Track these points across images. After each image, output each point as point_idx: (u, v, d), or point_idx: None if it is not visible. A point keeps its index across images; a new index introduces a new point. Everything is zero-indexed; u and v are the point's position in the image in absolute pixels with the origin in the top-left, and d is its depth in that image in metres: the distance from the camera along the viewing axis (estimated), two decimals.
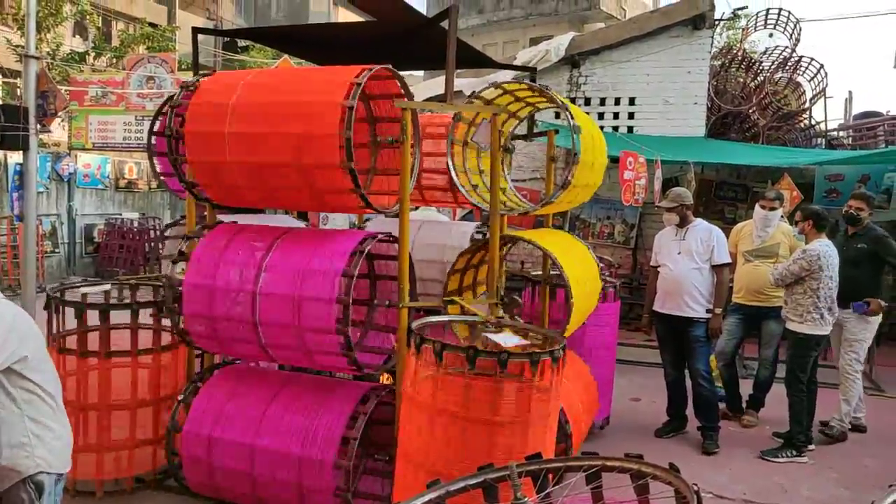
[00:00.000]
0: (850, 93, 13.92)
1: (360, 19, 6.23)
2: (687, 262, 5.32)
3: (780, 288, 5.37)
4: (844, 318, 5.48)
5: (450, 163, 4.19)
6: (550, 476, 2.13)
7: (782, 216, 6.07)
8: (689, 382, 5.48)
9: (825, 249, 5.07)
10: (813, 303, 5.06)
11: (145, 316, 4.37)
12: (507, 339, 2.97)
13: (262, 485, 3.59)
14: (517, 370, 2.74)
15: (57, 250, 13.24)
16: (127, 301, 4.36)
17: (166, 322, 4.21)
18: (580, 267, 4.26)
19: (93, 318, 4.13)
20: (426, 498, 2.04)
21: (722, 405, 5.83)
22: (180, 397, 3.94)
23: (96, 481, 4.08)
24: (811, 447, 5.23)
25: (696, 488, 1.79)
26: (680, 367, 5.53)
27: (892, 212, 8.81)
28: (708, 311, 5.32)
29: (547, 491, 2.09)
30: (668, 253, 5.45)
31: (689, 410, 5.55)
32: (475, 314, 3.41)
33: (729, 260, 5.43)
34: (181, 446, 3.76)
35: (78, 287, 4.67)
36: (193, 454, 3.71)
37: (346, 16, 26.55)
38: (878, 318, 5.54)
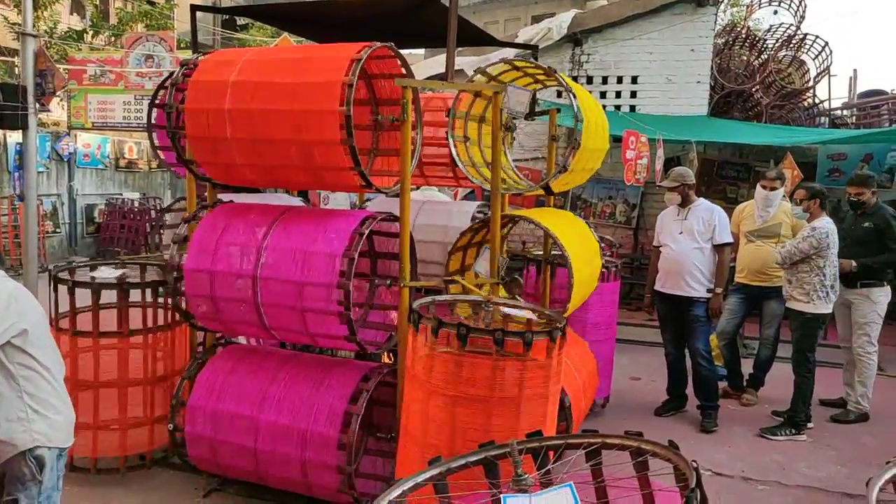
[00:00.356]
0: (854, 71, 13.84)
1: None
2: (688, 241, 5.31)
3: (782, 268, 5.37)
4: (852, 300, 5.49)
5: (449, 135, 4.16)
6: (551, 453, 2.15)
7: (784, 196, 6.04)
8: (689, 362, 5.50)
9: (831, 227, 5.12)
10: (819, 281, 5.08)
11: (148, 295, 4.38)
12: (522, 313, 2.98)
13: (264, 459, 3.63)
14: (513, 349, 2.74)
15: (58, 230, 13.25)
16: (134, 281, 4.38)
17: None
18: (581, 246, 4.26)
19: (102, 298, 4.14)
20: (428, 474, 2.06)
21: (722, 384, 5.85)
22: (184, 375, 3.96)
23: (92, 459, 4.14)
24: (810, 425, 5.27)
25: (694, 465, 1.81)
26: (680, 347, 5.55)
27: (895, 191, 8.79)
28: (709, 290, 5.32)
29: (547, 468, 2.11)
30: (670, 233, 5.45)
31: (689, 389, 5.58)
32: (478, 294, 3.41)
33: (730, 240, 5.43)
34: (184, 423, 3.78)
35: (82, 267, 4.68)
36: (196, 430, 3.74)
37: None
38: (887, 298, 5.53)
